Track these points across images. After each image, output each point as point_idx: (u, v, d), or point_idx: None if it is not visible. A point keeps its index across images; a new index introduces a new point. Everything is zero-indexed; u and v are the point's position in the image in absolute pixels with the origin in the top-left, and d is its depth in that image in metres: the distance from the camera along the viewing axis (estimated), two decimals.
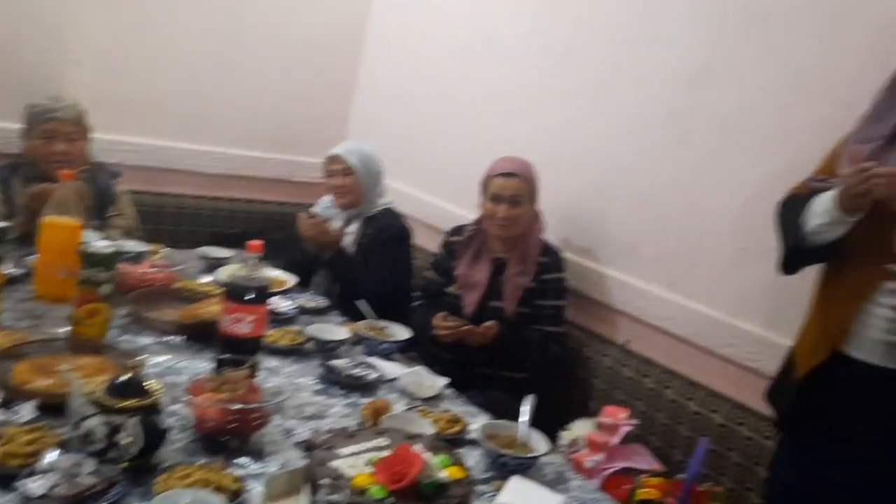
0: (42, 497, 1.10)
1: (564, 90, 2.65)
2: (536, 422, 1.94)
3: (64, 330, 1.67)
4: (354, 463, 1.17)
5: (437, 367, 2.27)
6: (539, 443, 1.51)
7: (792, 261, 1.65)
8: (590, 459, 1.94)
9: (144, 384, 1.30)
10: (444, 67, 3.18)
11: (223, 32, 3.20)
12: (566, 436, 2.09)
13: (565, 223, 2.60)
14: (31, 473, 1.14)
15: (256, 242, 1.57)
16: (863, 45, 1.86)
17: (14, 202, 2.31)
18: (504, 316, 2.31)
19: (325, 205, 2.77)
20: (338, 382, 1.72)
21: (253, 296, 1.55)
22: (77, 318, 1.65)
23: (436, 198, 3.16)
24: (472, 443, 1.54)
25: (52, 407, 1.32)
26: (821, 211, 1.53)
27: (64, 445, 1.22)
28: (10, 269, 1.91)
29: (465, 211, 2.70)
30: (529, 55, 2.79)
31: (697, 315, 2.21)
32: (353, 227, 2.65)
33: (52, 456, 1.17)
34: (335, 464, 1.16)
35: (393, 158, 2.98)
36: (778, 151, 2.03)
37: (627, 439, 2.07)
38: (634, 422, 2.09)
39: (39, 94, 2.42)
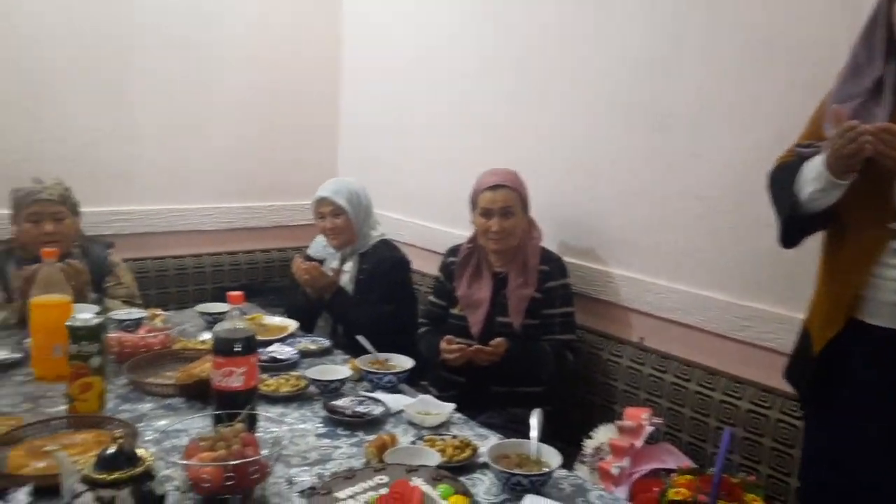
0: None
1: (535, 96, 2.63)
2: (561, 434, 1.89)
3: (62, 408, 1.65)
4: None
5: (452, 393, 2.24)
6: (551, 457, 1.45)
7: (791, 233, 1.58)
8: (615, 465, 1.87)
9: (134, 452, 1.26)
10: (417, 94, 3.18)
11: (198, 93, 3.22)
12: (590, 444, 2.02)
13: (561, 227, 2.56)
14: None
15: (237, 293, 1.54)
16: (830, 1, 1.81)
17: (10, 287, 2.32)
18: (512, 331, 2.26)
19: (319, 246, 2.75)
20: (342, 423, 1.68)
21: (240, 348, 1.52)
22: (72, 395, 1.63)
23: (429, 221, 3.14)
24: (485, 467, 1.49)
25: (48, 489, 1.29)
26: (812, 177, 1.46)
27: None
28: (8, 355, 1.91)
29: (461, 230, 2.67)
30: (496, 68, 2.77)
31: (707, 301, 2.15)
32: (350, 265, 2.62)
33: None
34: None
35: (383, 189, 2.97)
36: (763, 121, 1.97)
37: (655, 439, 2.00)
38: (658, 420, 2.02)
39: (24, 176, 2.43)
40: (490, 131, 2.83)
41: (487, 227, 2.28)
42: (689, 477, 1.70)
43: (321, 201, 2.58)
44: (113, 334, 2.00)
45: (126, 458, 1.24)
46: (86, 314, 1.67)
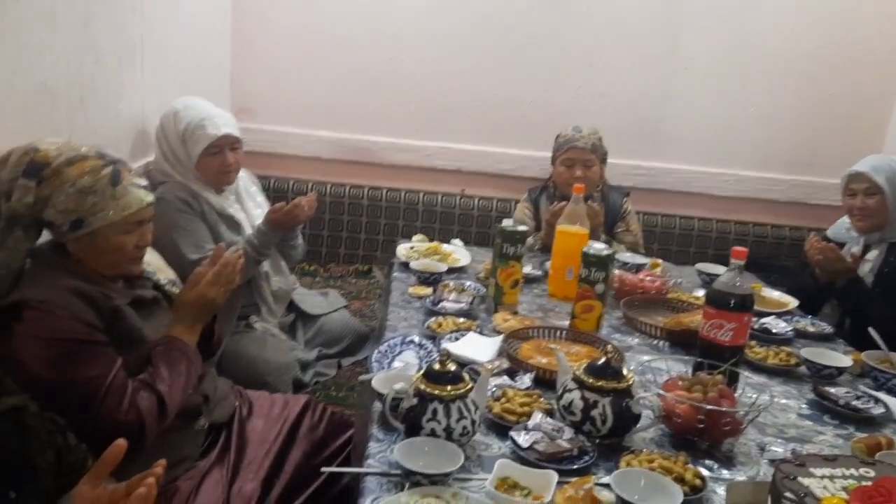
0: (527, 449, 1.28)
1: None
2: None
3: (565, 322, 1.89)
4: (827, 485, 1.03)
5: None
6: None
7: None
8: None
9: (620, 371, 1.38)
10: None
11: (741, 59, 3.18)
12: None
13: None
14: (522, 429, 1.33)
15: (741, 249, 1.52)
16: None
17: (540, 218, 2.70)
18: None
19: (841, 228, 2.49)
20: (831, 410, 1.53)
21: (734, 303, 1.50)
22: (575, 312, 1.85)
23: None
24: None
25: (546, 380, 1.51)
26: None
27: (550, 412, 1.39)
28: (530, 270, 2.25)
29: None
30: None
31: None
32: (874, 254, 2.30)
33: (539, 418, 1.34)
34: (805, 481, 1.05)
35: None
36: None
37: None
38: None
39: (572, 124, 2.75)
40: None
41: None
42: None
43: (855, 176, 2.31)
44: (616, 272, 2.18)
45: (612, 371, 1.37)
46: (599, 245, 1.85)
